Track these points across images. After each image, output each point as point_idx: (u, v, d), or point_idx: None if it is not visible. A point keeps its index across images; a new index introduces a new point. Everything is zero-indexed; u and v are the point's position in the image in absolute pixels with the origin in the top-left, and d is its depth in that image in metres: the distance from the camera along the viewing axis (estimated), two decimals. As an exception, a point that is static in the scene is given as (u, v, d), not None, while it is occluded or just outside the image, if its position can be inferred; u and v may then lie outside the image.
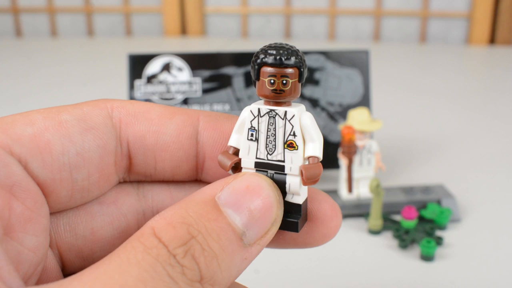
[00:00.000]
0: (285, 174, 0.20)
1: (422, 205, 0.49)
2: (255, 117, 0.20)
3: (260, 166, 0.20)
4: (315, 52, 0.56)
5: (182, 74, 0.55)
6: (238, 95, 0.55)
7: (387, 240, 0.45)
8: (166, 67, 0.55)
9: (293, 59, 0.19)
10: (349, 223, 0.48)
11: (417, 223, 0.46)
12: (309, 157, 0.19)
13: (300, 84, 0.20)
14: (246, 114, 0.20)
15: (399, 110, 0.84)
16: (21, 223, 0.17)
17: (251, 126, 0.20)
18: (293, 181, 0.20)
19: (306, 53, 0.56)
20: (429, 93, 0.95)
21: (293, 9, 1.53)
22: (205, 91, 0.55)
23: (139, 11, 1.61)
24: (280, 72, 0.19)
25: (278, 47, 0.19)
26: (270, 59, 0.19)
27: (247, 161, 0.20)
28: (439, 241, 0.44)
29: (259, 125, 0.20)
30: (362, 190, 0.50)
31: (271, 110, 0.19)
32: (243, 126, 0.20)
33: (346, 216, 0.49)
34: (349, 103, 0.57)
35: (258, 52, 0.19)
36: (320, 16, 1.52)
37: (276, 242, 0.20)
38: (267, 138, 0.20)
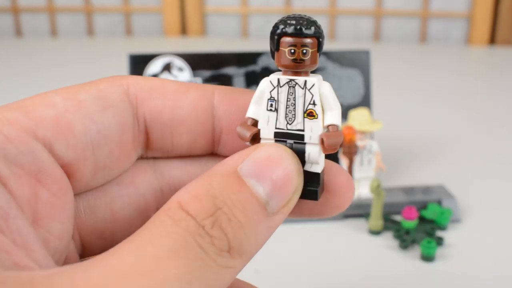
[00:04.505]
0: (305, 144, 0.20)
1: (423, 206, 0.49)
2: (274, 88, 0.20)
3: (280, 136, 0.20)
4: (315, 52, 0.56)
5: (182, 74, 0.55)
6: (238, 95, 0.55)
7: (387, 240, 0.45)
8: (167, 67, 0.55)
9: (313, 28, 0.19)
10: (349, 223, 0.48)
11: (417, 223, 0.46)
12: (328, 126, 0.20)
13: (318, 54, 0.20)
14: (265, 84, 0.20)
15: (399, 110, 0.84)
16: (47, 210, 0.18)
17: (271, 97, 0.20)
18: (312, 150, 0.20)
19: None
20: (429, 93, 0.95)
21: (293, 9, 1.53)
22: (206, 91, 0.55)
23: (139, 11, 1.61)
24: (300, 41, 0.19)
25: (297, 18, 0.19)
26: (290, 29, 0.19)
27: (267, 132, 0.20)
28: (439, 241, 0.44)
29: (279, 95, 0.20)
30: (363, 191, 0.50)
31: (290, 80, 0.20)
32: (262, 97, 0.20)
33: (346, 216, 0.49)
34: (349, 104, 0.57)
35: (277, 23, 0.20)
36: (320, 16, 1.52)
37: (294, 212, 0.21)
38: (286, 108, 0.20)
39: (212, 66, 0.56)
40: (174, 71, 0.55)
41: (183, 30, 1.59)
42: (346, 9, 1.51)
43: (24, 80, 1.06)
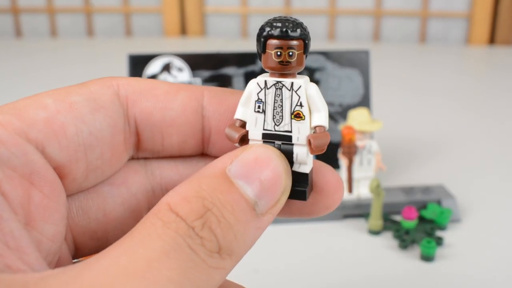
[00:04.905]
0: (292, 144, 0.20)
1: (422, 205, 0.49)
2: (261, 89, 0.20)
3: (267, 137, 0.20)
4: (315, 52, 0.56)
5: (182, 75, 0.55)
6: (238, 96, 0.56)
7: (387, 240, 0.45)
8: (166, 67, 0.55)
9: (298, 31, 0.19)
10: (349, 223, 0.48)
11: (417, 223, 0.46)
12: (316, 127, 0.20)
13: (304, 56, 0.20)
14: (253, 86, 0.20)
15: (399, 110, 0.84)
16: (40, 212, 0.18)
17: (258, 98, 0.20)
18: (300, 151, 0.20)
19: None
20: (429, 93, 0.95)
21: (293, 9, 1.53)
22: (205, 91, 0.55)
23: (139, 11, 1.61)
24: (286, 44, 0.19)
25: (283, 20, 0.20)
26: (276, 32, 0.19)
27: (255, 133, 0.20)
28: (439, 241, 0.44)
29: (266, 97, 0.20)
30: (362, 190, 0.50)
31: (277, 82, 0.20)
32: (249, 99, 0.20)
33: (346, 216, 0.49)
34: (349, 103, 0.57)
35: (263, 25, 0.20)
36: (320, 16, 1.52)
37: (284, 212, 0.21)
38: (274, 109, 0.20)
39: (211, 66, 0.56)
40: (174, 71, 0.55)
41: (183, 30, 1.59)
42: (346, 9, 1.51)
43: (24, 80, 1.06)
